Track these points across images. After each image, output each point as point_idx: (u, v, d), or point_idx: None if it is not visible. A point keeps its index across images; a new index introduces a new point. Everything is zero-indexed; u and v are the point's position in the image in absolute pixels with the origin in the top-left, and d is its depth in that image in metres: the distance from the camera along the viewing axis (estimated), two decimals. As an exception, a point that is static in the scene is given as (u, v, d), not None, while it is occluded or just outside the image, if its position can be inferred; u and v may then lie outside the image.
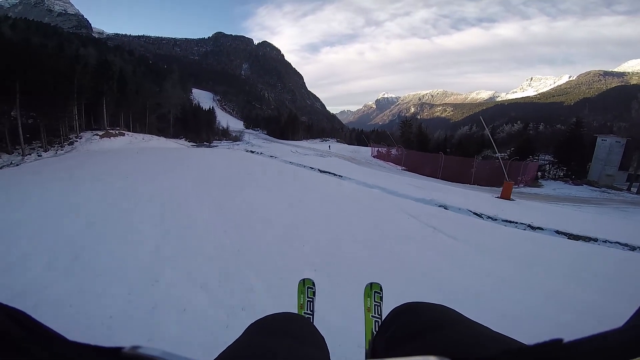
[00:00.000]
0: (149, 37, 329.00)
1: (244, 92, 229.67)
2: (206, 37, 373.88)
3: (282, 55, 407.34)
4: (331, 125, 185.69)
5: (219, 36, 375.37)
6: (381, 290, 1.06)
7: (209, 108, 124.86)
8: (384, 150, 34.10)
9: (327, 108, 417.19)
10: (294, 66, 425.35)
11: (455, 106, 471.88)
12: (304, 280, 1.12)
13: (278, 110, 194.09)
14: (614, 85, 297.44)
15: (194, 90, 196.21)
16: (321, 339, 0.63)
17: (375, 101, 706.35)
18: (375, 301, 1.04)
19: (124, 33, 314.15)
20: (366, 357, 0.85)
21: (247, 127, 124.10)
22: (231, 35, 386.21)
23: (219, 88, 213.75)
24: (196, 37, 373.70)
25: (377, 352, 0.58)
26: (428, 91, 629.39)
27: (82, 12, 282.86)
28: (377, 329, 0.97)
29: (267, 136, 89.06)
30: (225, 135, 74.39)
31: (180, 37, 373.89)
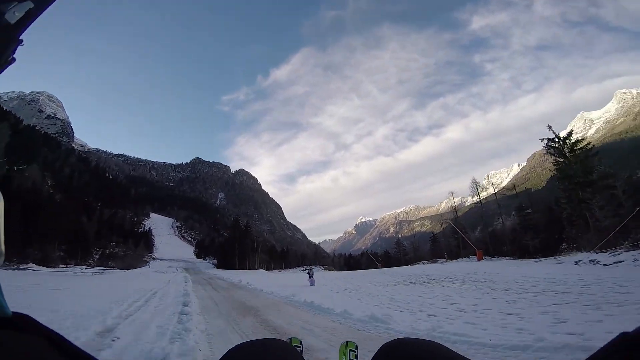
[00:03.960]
0: (127, 157, 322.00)
1: (213, 221, 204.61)
2: (184, 162, 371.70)
3: (260, 185, 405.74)
4: (314, 250, 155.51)
5: (196, 162, 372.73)
6: (357, 349, 1.03)
7: (146, 229, 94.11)
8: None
9: (309, 238, 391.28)
10: (271, 196, 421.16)
11: (432, 218, 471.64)
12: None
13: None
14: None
15: (152, 215, 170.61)
16: None
17: (355, 226, 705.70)
18: (350, 359, 1.02)
19: (105, 149, 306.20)
20: None
21: (199, 257, 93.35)
22: (209, 161, 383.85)
23: (181, 214, 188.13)
24: (174, 162, 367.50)
25: None
26: (402, 209, 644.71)
27: (70, 120, 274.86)
28: None
29: (211, 265, 58.45)
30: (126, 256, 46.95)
31: (159, 160, 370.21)
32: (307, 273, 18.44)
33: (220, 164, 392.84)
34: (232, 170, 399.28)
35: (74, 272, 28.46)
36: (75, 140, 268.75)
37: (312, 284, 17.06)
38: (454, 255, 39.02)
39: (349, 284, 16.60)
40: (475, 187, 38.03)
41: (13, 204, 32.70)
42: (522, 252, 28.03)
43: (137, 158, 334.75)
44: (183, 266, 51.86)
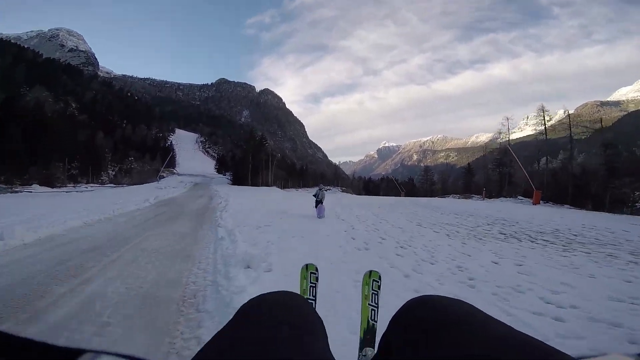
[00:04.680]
0: (153, 80, 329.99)
1: (237, 136, 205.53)
2: (210, 83, 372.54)
3: (284, 103, 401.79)
4: (334, 171, 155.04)
5: (221, 82, 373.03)
6: (379, 279, 1.04)
7: (167, 144, 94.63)
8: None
9: (330, 159, 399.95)
10: (295, 115, 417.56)
11: (459, 151, 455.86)
12: (307, 265, 1.10)
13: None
14: (614, 114, 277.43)
15: (177, 131, 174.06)
16: (321, 326, 0.60)
17: (377, 150, 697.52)
18: (373, 289, 1.02)
19: (130, 75, 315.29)
20: (360, 345, 0.90)
21: (219, 172, 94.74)
22: (234, 82, 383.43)
23: (206, 129, 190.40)
24: (200, 83, 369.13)
25: (390, 346, 0.55)
26: (428, 138, 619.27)
27: (93, 51, 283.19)
28: (374, 318, 0.95)
29: (227, 181, 57.54)
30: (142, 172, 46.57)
31: (185, 82, 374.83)
32: (314, 195, 11.85)
33: (245, 83, 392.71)
34: (257, 90, 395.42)
35: (67, 192, 26.42)
36: (100, 68, 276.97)
37: (319, 214, 10.90)
38: (492, 192, 33.25)
39: (381, 221, 10.30)
40: (543, 114, 29.97)
41: (14, 125, 31.19)
42: (599, 202, 21.91)
43: (164, 80, 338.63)
44: (197, 181, 49.30)
